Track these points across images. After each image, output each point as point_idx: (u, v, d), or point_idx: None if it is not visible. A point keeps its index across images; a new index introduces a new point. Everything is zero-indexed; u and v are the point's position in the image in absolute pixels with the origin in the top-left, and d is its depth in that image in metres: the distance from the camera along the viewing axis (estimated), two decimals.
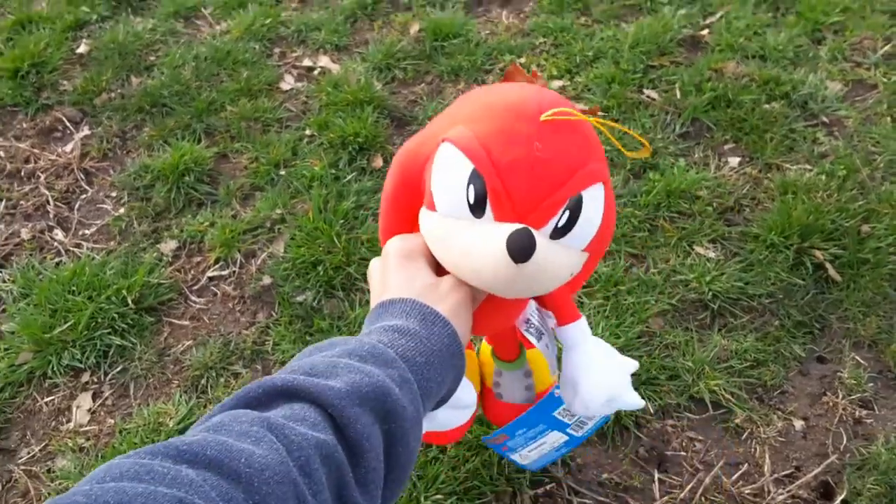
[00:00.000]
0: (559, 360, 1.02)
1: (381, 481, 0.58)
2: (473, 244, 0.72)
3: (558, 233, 0.72)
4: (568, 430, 1.17)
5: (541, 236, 0.70)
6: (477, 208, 0.72)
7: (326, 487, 0.53)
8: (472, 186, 0.71)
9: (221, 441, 0.50)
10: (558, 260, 0.73)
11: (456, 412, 0.93)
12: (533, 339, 0.94)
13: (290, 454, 0.51)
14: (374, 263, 0.80)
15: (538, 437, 1.18)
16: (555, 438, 1.19)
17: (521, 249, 0.68)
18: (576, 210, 0.72)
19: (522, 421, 1.16)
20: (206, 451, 0.49)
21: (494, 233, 0.70)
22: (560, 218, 0.71)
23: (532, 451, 1.22)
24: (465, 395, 0.92)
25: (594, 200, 0.74)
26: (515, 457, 1.25)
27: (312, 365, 0.60)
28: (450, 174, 0.74)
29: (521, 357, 1.13)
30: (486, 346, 1.20)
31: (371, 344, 0.63)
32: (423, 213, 0.78)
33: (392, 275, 0.75)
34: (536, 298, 0.94)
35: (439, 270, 0.77)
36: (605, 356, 0.95)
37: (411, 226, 0.82)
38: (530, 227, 0.70)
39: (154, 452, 0.48)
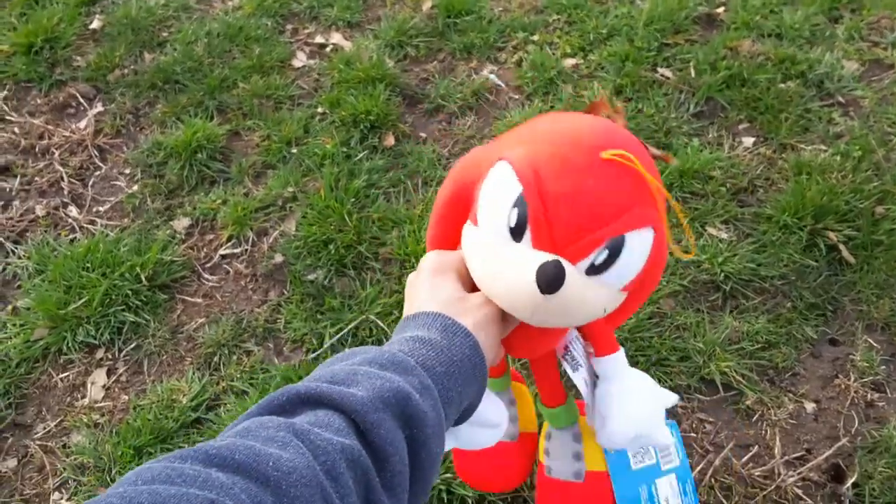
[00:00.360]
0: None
1: (406, 485, 0.59)
2: (505, 267, 0.72)
3: (594, 270, 0.71)
4: (663, 469, 1.09)
5: (576, 271, 0.70)
6: (517, 232, 0.71)
7: (354, 492, 0.54)
8: (515, 210, 0.71)
9: (249, 445, 0.50)
10: (590, 296, 0.72)
11: (482, 431, 0.89)
12: (569, 369, 0.91)
13: (316, 458, 0.52)
14: (410, 278, 0.80)
15: (657, 497, 1.09)
16: (666, 485, 1.09)
17: (549, 281, 0.68)
18: (615, 251, 0.71)
19: (621, 494, 1.07)
20: (235, 456, 0.49)
21: (527, 260, 0.70)
22: (597, 256, 0.70)
23: None
24: (492, 413, 0.87)
25: (639, 244, 0.72)
26: None
27: (333, 374, 0.61)
28: (498, 193, 0.74)
29: (563, 408, 1.07)
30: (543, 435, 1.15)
31: (391, 353, 0.64)
32: (467, 227, 0.78)
33: (421, 289, 0.75)
34: (583, 330, 0.93)
35: (473, 288, 0.77)
36: (640, 390, 0.93)
37: (457, 239, 0.81)
38: (563, 260, 0.69)
39: (184, 457, 0.49)
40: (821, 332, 1.62)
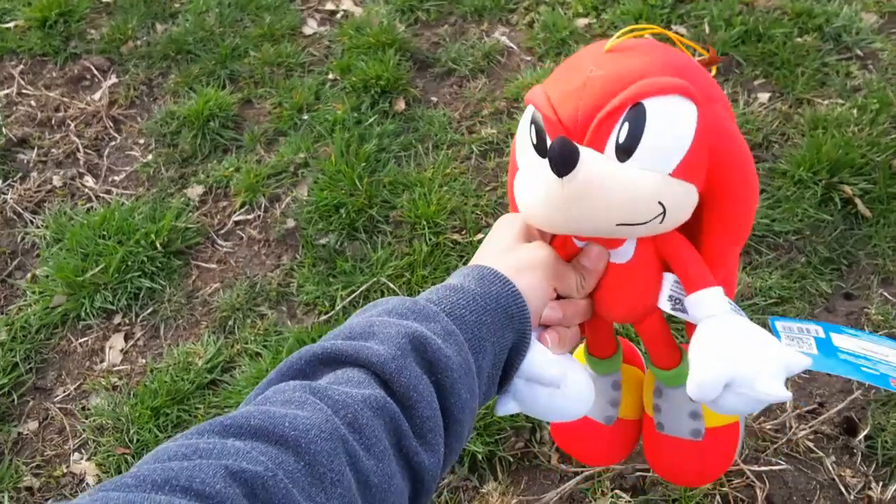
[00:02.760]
0: None
1: (440, 431, 0.57)
2: (533, 180, 0.68)
3: (623, 151, 0.64)
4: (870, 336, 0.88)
5: (599, 155, 0.64)
6: (541, 148, 0.68)
7: (384, 439, 0.53)
8: (532, 127, 0.69)
9: (264, 410, 0.50)
10: (626, 180, 0.64)
11: (541, 390, 0.74)
12: (675, 312, 0.76)
13: (336, 413, 0.51)
14: None
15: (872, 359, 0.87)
16: (881, 348, 0.87)
17: (558, 156, 0.62)
18: (636, 121, 0.63)
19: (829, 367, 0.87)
20: (251, 422, 0.49)
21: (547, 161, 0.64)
22: (619, 132, 0.64)
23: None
24: (547, 368, 0.72)
25: (670, 114, 0.64)
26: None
27: (351, 328, 0.60)
28: (522, 127, 0.72)
29: (680, 367, 0.89)
30: (647, 377, 0.99)
31: (413, 301, 0.63)
32: (514, 180, 0.74)
33: (483, 246, 0.74)
34: (668, 261, 0.77)
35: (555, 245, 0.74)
36: (739, 331, 0.73)
37: None
38: (580, 146, 0.63)
39: (200, 432, 0.49)
40: (835, 286, 1.60)
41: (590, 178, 0.63)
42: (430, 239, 1.74)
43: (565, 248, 0.75)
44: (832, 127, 1.81)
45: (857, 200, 1.68)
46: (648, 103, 0.63)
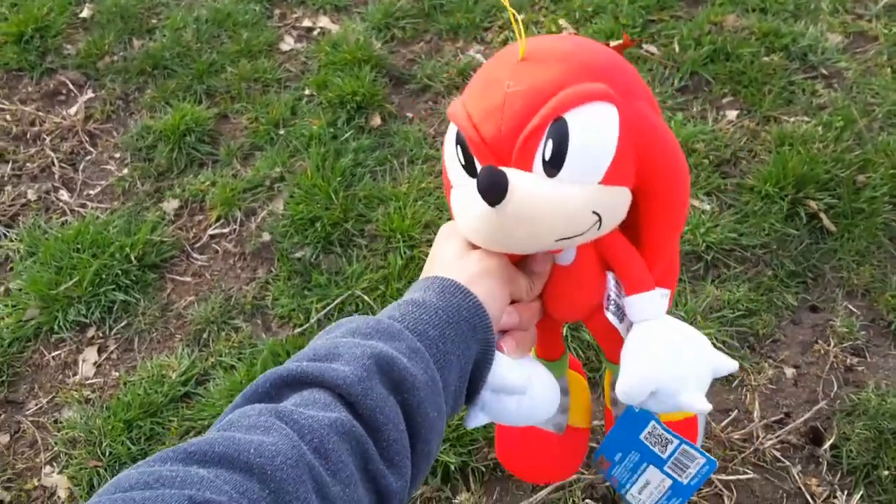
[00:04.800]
0: None
1: (407, 453, 0.57)
2: (466, 204, 0.68)
3: (550, 167, 0.64)
4: (665, 470, 0.94)
5: (529, 175, 0.64)
6: (469, 168, 0.68)
7: (351, 464, 0.52)
8: (459, 147, 0.69)
9: (229, 437, 0.49)
10: (558, 196, 0.64)
11: (507, 399, 0.75)
12: (614, 320, 0.77)
13: (302, 438, 0.51)
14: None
15: (638, 470, 0.97)
16: (657, 480, 0.96)
17: (487, 188, 0.62)
18: (559, 136, 0.63)
19: (613, 438, 0.96)
20: (215, 448, 0.48)
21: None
22: (544, 150, 0.63)
23: (641, 493, 0.99)
24: (512, 376, 0.72)
25: (592, 123, 0.64)
26: (628, 496, 1.00)
27: (315, 350, 0.59)
28: (448, 145, 0.72)
29: None
30: (607, 372, 1.03)
31: (376, 320, 0.62)
32: (450, 194, 0.75)
33: (430, 257, 0.75)
34: (609, 263, 0.78)
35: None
36: (671, 338, 0.76)
37: None
38: (508, 168, 0.64)
39: (163, 459, 0.48)
40: (801, 299, 1.64)
41: (522, 202, 0.63)
42: (404, 252, 1.76)
43: (510, 253, 0.75)
44: (798, 144, 1.86)
45: (823, 215, 1.72)
46: (569, 116, 0.63)
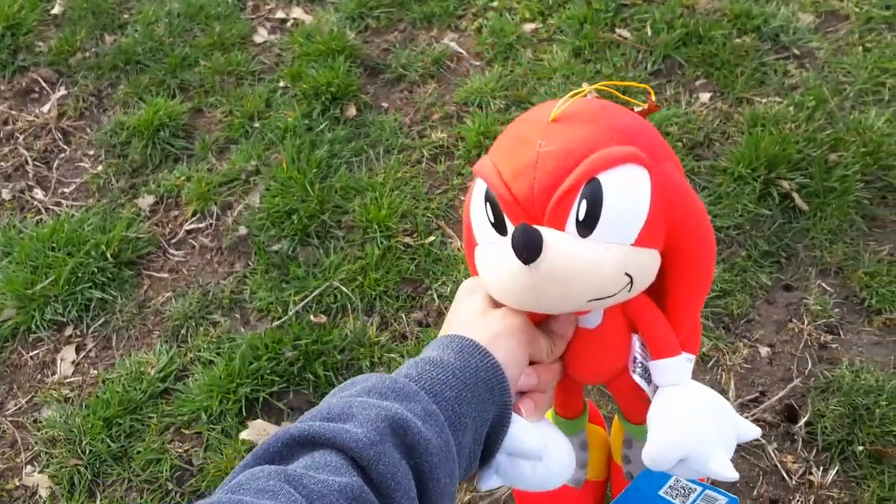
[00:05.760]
0: None
1: None
2: (497, 262, 0.67)
3: (583, 227, 0.64)
4: None
5: (563, 235, 0.64)
6: (499, 226, 0.68)
7: None
8: (488, 205, 0.68)
9: (237, 500, 0.48)
10: (591, 257, 0.64)
11: (522, 463, 0.74)
12: (642, 382, 0.77)
13: None
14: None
15: None
16: None
17: (522, 246, 0.62)
18: (594, 197, 0.63)
19: (630, 497, 0.93)
20: None
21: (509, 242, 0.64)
22: (577, 209, 0.64)
23: None
24: (528, 441, 0.71)
25: (625, 185, 0.65)
26: None
27: (329, 408, 0.58)
28: (475, 202, 0.71)
29: None
30: (615, 426, 1.02)
31: (392, 379, 0.61)
32: (475, 251, 0.74)
33: (451, 313, 0.74)
34: (635, 325, 0.79)
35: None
36: (696, 405, 0.76)
37: None
38: (543, 227, 0.64)
39: None
40: (775, 278, 1.65)
41: (555, 262, 0.63)
42: (381, 242, 1.76)
43: (533, 313, 0.74)
44: (770, 124, 1.87)
45: (795, 195, 1.74)
46: (603, 177, 0.64)
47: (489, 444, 0.67)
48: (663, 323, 0.76)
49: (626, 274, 0.67)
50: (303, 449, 0.55)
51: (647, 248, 0.67)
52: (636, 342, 0.78)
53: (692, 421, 0.74)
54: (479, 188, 0.71)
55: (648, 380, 0.78)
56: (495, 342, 0.66)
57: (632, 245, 0.66)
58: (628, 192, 0.65)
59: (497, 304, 0.72)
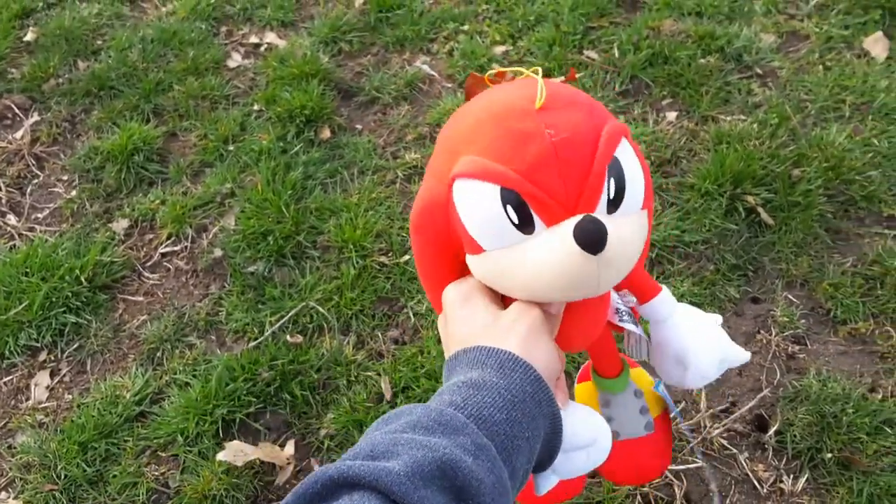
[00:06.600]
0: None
1: None
2: (541, 260, 0.65)
3: (613, 205, 0.66)
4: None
5: (606, 218, 0.64)
6: (525, 225, 0.65)
7: None
8: (508, 207, 0.64)
9: None
10: (628, 232, 0.66)
11: (576, 454, 0.76)
12: (631, 327, 0.82)
13: None
14: (440, 322, 0.74)
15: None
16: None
17: (593, 238, 0.62)
18: (619, 174, 0.65)
19: None
20: None
21: (557, 238, 0.63)
22: (608, 189, 0.65)
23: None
24: (581, 433, 0.75)
25: (630, 155, 0.67)
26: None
27: (373, 445, 0.55)
28: (479, 208, 0.66)
29: (624, 371, 1.00)
30: (580, 388, 1.07)
31: (438, 410, 0.58)
32: (471, 260, 0.71)
33: (454, 325, 0.70)
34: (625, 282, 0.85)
35: (506, 301, 0.72)
36: (699, 318, 0.88)
37: (459, 274, 0.75)
38: (569, 211, 0.64)
39: None
40: (743, 291, 1.69)
41: (612, 244, 0.63)
42: (357, 262, 1.77)
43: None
44: (735, 141, 1.91)
45: (760, 209, 1.78)
46: (618, 154, 0.66)
47: (548, 453, 0.65)
48: (640, 269, 0.82)
49: (642, 240, 0.71)
50: (342, 490, 0.52)
51: (646, 209, 0.71)
52: (613, 296, 0.83)
53: (707, 333, 0.86)
54: (481, 192, 0.66)
55: (636, 323, 0.85)
56: (529, 346, 0.64)
57: (641, 209, 0.69)
58: (632, 162, 0.68)
59: (495, 301, 0.71)
